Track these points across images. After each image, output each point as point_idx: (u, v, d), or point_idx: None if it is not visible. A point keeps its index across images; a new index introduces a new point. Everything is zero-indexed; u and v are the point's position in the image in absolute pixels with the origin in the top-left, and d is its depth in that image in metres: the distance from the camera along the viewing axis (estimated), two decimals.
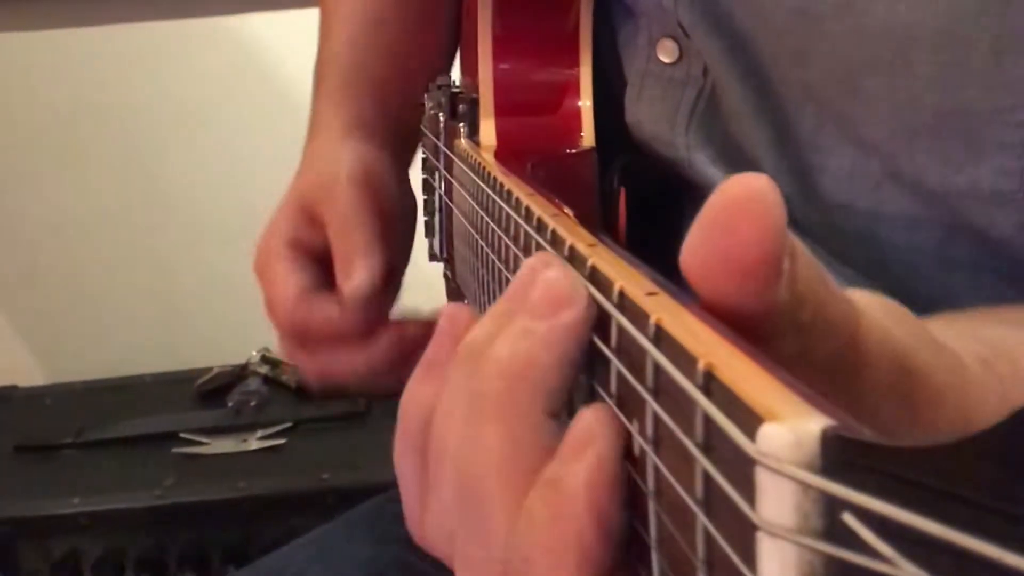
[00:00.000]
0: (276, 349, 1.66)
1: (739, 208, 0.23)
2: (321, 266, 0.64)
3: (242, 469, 1.42)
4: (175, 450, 1.47)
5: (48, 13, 1.73)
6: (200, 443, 1.48)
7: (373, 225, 0.63)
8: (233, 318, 1.82)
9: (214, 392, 1.60)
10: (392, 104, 0.73)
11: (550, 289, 0.28)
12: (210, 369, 1.64)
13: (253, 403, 1.55)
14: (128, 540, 1.38)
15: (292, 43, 1.65)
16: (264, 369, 1.63)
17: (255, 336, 1.68)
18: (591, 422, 0.26)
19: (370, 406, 1.53)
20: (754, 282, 0.23)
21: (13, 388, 1.73)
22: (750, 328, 0.23)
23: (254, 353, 1.65)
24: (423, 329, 0.63)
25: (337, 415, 1.52)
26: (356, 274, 0.61)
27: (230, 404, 1.55)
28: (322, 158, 0.68)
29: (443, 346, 0.33)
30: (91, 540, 1.38)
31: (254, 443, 1.48)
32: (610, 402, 0.27)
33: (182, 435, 1.49)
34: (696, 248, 0.23)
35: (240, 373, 1.63)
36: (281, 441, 1.48)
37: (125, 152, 1.81)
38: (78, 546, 1.38)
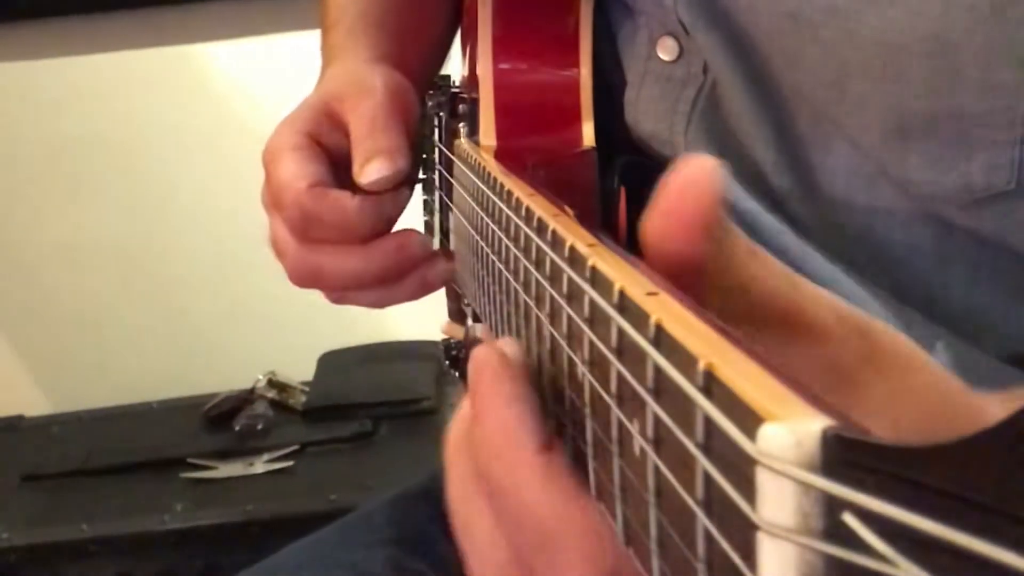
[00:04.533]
0: (282, 373, 1.67)
1: (688, 180, 0.28)
2: (334, 169, 0.62)
3: (250, 493, 1.43)
4: (183, 475, 1.48)
5: (50, 42, 1.74)
6: (208, 467, 1.49)
7: (401, 132, 0.61)
8: (238, 343, 1.82)
9: (221, 417, 1.60)
10: (405, 53, 0.72)
11: None
12: (216, 394, 1.64)
13: (260, 427, 1.55)
14: (138, 565, 1.39)
15: (297, 67, 1.66)
16: (270, 393, 1.63)
17: (261, 360, 1.68)
18: (479, 356, 0.32)
19: (377, 427, 1.53)
20: (693, 231, 0.28)
21: (19, 418, 1.73)
22: (684, 284, 0.27)
23: (260, 377, 1.65)
24: (422, 248, 0.62)
25: (344, 437, 1.52)
26: (380, 165, 0.59)
27: (237, 428, 1.55)
28: (349, 72, 0.66)
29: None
30: (101, 566, 1.38)
31: (261, 466, 1.48)
32: (611, 402, 0.27)
33: (190, 460, 1.50)
34: (654, 208, 0.28)
35: (246, 397, 1.63)
36: (288, 464, 1.48)
37: (128, 179, 1.81)
38: (88, 573, 1.38)
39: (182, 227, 1.83)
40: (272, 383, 1.65)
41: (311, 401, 1.60)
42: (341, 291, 0.63)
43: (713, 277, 0.29)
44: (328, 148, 0.62)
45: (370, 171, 0.59)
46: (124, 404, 1.72)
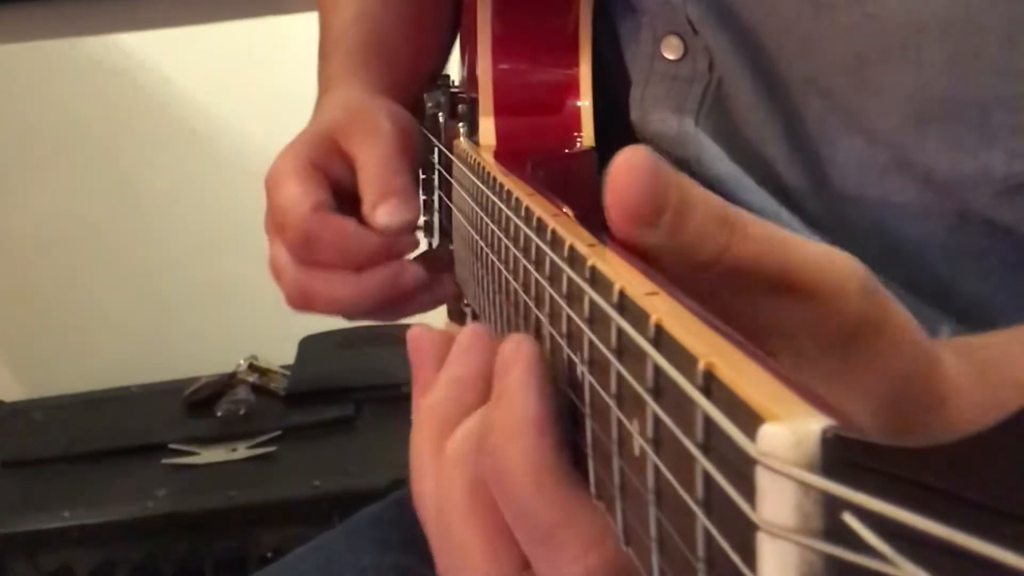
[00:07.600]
0: (263, 357, 1.66)
1: (626, 172, 0.28)
2: (336, 198, 0.62)
3: (233, 478, 1.42)
4: (165, 461, 1.47)
5: (29, 25, 1.72)
6: (190, 453, 1.48)
7: (412, 176, 0.62)
8: (219, 327, 1.82)
9: (202, 402, 1.59)
10: (404, 79, 0.72)
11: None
12: (197, 379, 1.64)
13: (242, 412, 1.54)
14: (120, 552, 1.38)
15: (278, 50, 1.65)
16: (252, 378, 1.63)
17: (242, 345, 1.68)
18: (511, 347, 0.32)
19: (359, 412, 1.53)
20: (638, 221, 0.28)
21: None
22: (657, 266, 0.28)
23: (241, 362, 1.65)
24: (420, 276, 0.62)
25: (326, 422, 1.52)
26: (395, 206, 0.59)
27: (219, 413, 1.54)
28: (351, 103, 0.66)
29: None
30: (83, 553, 1.38)
31: (244, 452, 1.48)
32: (611, 402, 0.27)
33: (171, 446, 1.49)
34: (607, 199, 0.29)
35: (228, 382, 1.62)
36: (271, 449, 1.48)
37: (108, 162, 1.80)
38: (69, 560, 1.38)
39: (161, 210, 1.82)
40: (253, 367, 1.64)
41: (293, 386, 1.60)
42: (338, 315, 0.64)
43: (686, 255, 0.29)
44: (332, 178, 0.62)
45: (384, 211, 0.59)
46: (104, 388, 1.71)
